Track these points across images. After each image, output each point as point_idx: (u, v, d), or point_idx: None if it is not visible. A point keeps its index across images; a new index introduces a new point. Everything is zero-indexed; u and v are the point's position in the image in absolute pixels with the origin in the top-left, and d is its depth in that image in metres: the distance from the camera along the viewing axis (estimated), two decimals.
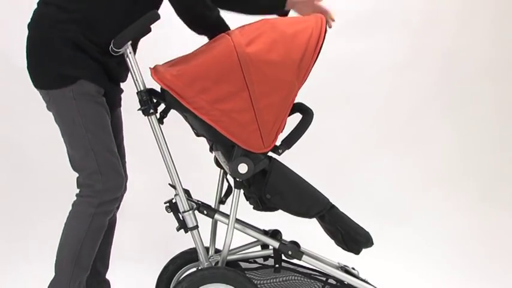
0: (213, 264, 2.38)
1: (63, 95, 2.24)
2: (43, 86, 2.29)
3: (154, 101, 2.28)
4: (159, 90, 2.31)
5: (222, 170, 2.50)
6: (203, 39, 2.46)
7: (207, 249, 2.42)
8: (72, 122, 2.26)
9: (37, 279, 3.25)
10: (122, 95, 2.54)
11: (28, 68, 2.30)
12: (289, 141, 2.23)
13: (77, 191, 2.34)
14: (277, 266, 2.34)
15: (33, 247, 3.54)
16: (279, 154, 2.22)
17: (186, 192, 2.34)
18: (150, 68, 2.24)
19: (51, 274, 2.42)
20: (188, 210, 2.29)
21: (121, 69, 2.35)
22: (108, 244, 2.61)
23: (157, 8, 2.34)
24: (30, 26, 2.31)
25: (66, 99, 2.24)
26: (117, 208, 2.57)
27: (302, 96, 4.30)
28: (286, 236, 2.40)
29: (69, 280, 2.32)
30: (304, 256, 2.30)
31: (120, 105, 2.54)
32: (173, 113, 2.38)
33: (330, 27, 2.33)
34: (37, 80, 2.29)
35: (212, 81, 2.13)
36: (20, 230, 3.72)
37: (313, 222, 2.40)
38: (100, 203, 2.27)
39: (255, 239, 2.39)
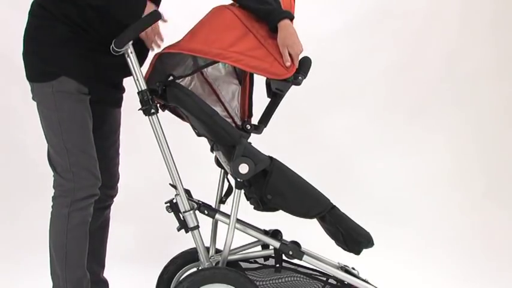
0: (214, 264, 2.38)
1: (44, 90, 2.27)
2: (28, 77, 2.32)
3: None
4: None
5: (222, 170, 2.50)
6: None
7: (207, 249, 2.42)
8: (49, 117, 2.28)
9: (37, 279, 3.26)
10: None
11: (22, 57, 2.34)
12: (305, 68, 2.28)
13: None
14: (277, 266, 2.34)
15: (34, 247, 3.53)
16: (299, 83, 2.27)
17: (187, 192, 2.34)
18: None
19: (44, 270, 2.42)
20: (189, 210, 2.29)
21: (115, 69, 2.34)
22: (102, 244, 2.60)
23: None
24: (29, 13, 2.33)
25: (46, 95, 2.27)
26: (107, 209, 2.57)
27: (302, 96, 4.31)
28: (287, 236, 2.40)
29: (66, 284, 2.32)
30: (304, 256, 2.30)
31: (117, 106, 2.51)
32: None
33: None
34: (25, 70, 2.33)
35: (219, 32, 2.22)
36: (20, 231, 3.71)
37: (314, 223, 2.40)
38: (72, 201, 2.27)
39: (256, 239, 2.39)
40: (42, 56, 2.26)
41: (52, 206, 2.33)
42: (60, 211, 2.29)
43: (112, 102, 2.48)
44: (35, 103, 2.34)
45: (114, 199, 2.61)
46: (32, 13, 2.31)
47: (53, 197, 2.34)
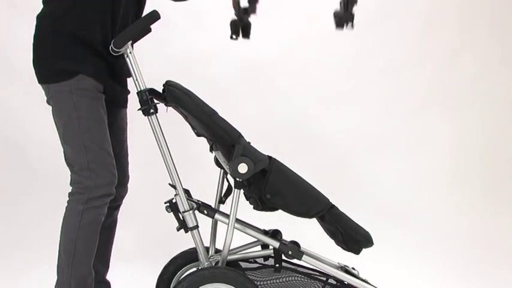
0: (213, 264, 2.38)
1: (61, 89, 2.26)
2: (43, 80, 2.31)
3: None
4: (158, 90, 2.32)
5: (222, 170, 2.50)
6: (204, 40, 2.45)
7: (207, 249, 2.42)
8: (67, 116, 2.27)
9: (37, 279, 3.26)
10: None
11: (32, 62, 2.33)
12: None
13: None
14: (277, 265, 2.34)
15: (34, 247, 3.54)
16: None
17: (186, 192, 2.34)
18: None
19: (52, 274, 2.42)
20: (188, 210, 2.29)
21: (122, 68, 2.35)
22: (108, 245, 2.60)
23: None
24: (38, 17, 2.34)
25: (63, 94, 2.26)
26: (116, 209, 2.57)
27: (303, 96, 4.31)
28: (286, 236, 2.40)
29: (70, 280, 2.32)
30: (304, 256, 2.30)
31: (125, 106, 2.53)
32: (173, 113, 2.38)
33: None
34: (38, 74, 2.32)
35: None
36: (20, 230, 3.72)
37: (313, 222, 2.40)
38: (88, 199, 2.26)
39: (255, 239, 2.39)
40: (58, 56, 2.26)
41: (68, 202, 2.33)
42: (75, 207, 2.29)
43: (121, 102, 2.50)
44: (34, 103, 2.34)
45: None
46: (42, 16, 2.32)
47: (69, 193, 2.33)
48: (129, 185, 2.64)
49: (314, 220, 2.36)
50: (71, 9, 2.25)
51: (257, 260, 2.45)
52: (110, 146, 2.32)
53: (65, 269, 2.32)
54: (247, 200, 2.44)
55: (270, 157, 2.26)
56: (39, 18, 2.33)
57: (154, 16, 2.22)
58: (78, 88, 2.24)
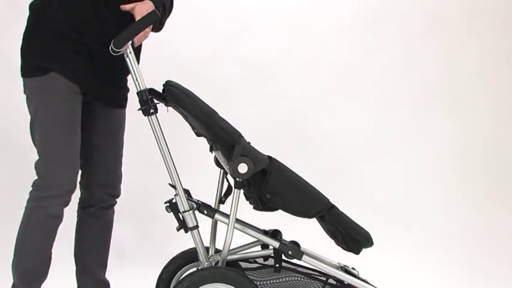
0: (213, 264, 2.38)
1: (34, 85, 2.28)
2: (22, 73, 2.34)
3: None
4: (158, 90, 2.32)
5: (222, 170, 2.50)
6: (204, 40, 2.45)
7: (207, 249, 2.42)
8: (34, 111, 2.29)
9: None
10: None
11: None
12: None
13: None
14: (277, 265, 2.34)
15: None
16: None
17: (186, 192, 2.34)
18: None
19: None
20: (188, 210, 2.29)
21: (117, 67, 2.34)
22: (104, 245, 2.60)
23: None
24: (29, 13, 2.35)
25: (34, 89, 2.28)
26: (108, 209, 2.56)
27: (303, 96, 4.32)
28: (286, 236, 2.40)
29: (15, 271, 2.33)
30: (304, 256, 2.30)
31: (121, 107, 2.51)
32: (173, 113, 2.38)
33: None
34: (20, 66, 2.34)
35: None
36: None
37: (313, 222, 2.40)
38: (38, 197, 2.27)
39: (255, 239, 2.39)
40: (35, 51, 2.28)
41: None
42: (29, 203, 2.31)
43: (112, 101, 2.47)
44: None
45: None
46: (31, 10, 2.33)
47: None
48: (129, 185, 2.64)
49: (314, 220, 2.36)
50: (49, 4, 2.26)
51: (257, 260, 2.45)
52: (74, 148, 2.29)
53: (14, 261, 2.34)
54: (247, 200, 2.44)
55: (270, 157, 2.26)
56: (32, 9, 2.35)
57: (154, 16, 2.22)
58: (50, 86, 2.25)
